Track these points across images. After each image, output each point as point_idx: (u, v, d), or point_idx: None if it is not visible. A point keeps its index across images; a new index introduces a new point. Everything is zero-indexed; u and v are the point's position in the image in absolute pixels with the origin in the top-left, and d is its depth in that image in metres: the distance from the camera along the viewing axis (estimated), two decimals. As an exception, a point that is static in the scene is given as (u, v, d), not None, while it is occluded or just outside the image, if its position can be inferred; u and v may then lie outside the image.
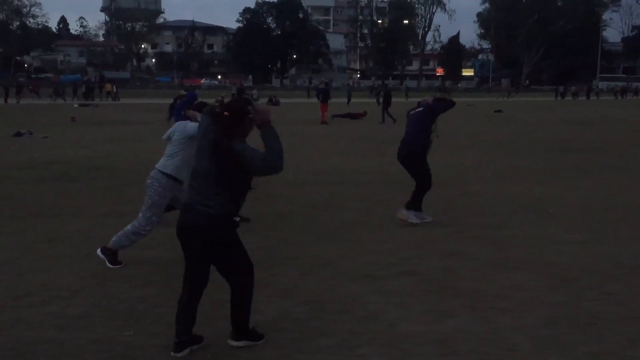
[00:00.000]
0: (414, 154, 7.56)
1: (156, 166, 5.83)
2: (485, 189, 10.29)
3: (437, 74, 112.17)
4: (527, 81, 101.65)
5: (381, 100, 28.52)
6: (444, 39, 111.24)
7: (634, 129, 22.64)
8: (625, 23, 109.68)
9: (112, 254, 5.77)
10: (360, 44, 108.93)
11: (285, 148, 3.74)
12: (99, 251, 5.82)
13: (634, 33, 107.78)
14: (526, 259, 6.17)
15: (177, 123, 6.10)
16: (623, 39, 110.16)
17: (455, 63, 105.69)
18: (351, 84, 77.81)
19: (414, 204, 7.69)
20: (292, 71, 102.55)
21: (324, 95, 27.74)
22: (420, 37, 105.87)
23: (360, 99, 50.29)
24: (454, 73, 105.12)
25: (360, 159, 14.06)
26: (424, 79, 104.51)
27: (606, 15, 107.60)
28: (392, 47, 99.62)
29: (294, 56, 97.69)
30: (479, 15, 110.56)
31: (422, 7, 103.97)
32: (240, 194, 3.86)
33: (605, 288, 5.26)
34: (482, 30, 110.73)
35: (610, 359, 3.99)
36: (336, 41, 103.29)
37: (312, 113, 29.62)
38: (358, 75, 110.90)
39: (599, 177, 11.72)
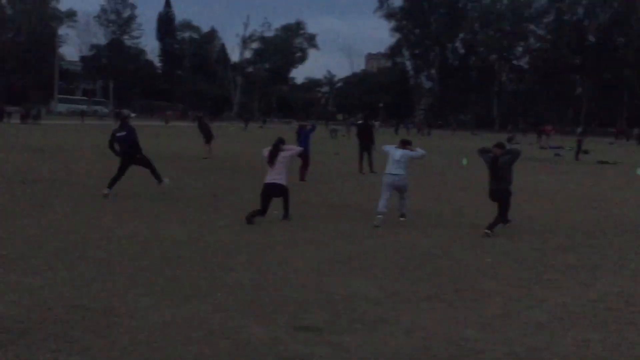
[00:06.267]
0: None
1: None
2: None
3: None
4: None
5: None
6: None
7: (91, 158, 24.00)
8: (83, 41, 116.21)
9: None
10: None
11: None
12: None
13: (92, 52, 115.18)
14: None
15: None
16: (82, 58, 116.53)
17: None
18: None
19: None
20: None
21: None
22: None
23: None
24: None
25: None
26: None
27: (62, 31, 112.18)
28: None
29: None
30: None
31: None
32: None
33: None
34: None
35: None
36: None
37: None
38: None
39: (65, 210, 12.36)
